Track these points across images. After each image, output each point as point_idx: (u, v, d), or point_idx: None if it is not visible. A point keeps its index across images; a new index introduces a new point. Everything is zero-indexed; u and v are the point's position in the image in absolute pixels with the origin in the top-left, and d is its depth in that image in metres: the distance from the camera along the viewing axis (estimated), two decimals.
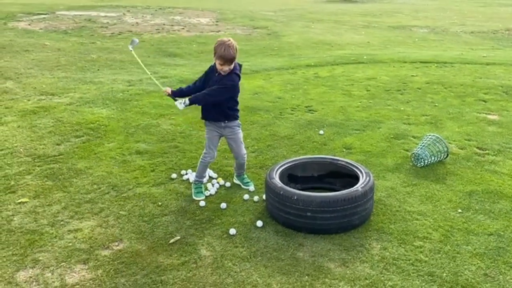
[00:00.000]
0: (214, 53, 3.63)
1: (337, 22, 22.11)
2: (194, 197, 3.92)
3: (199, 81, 3.90)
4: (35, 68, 9.27)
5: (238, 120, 3.96)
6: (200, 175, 4.01)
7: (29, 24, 16.49)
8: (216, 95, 3.69)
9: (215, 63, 3.71)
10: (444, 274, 2.96)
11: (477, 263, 3.06)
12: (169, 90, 3.86)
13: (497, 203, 3.85)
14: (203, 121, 3.97)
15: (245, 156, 4.07)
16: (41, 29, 15.63)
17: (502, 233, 3.41)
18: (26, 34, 14.20)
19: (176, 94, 3.85)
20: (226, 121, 3.85)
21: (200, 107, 3.87)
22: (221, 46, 3.54)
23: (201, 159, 3.98)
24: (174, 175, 4.34)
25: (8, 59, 10.09)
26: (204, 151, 3.98)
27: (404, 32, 18.87)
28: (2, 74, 8.57)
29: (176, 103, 3.77)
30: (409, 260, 3.09)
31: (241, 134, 4.00)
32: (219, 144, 4.03)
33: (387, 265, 3.04)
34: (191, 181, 4.19)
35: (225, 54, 3.53)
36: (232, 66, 3.65)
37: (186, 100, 3.71)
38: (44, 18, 18.25)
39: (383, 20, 24.32)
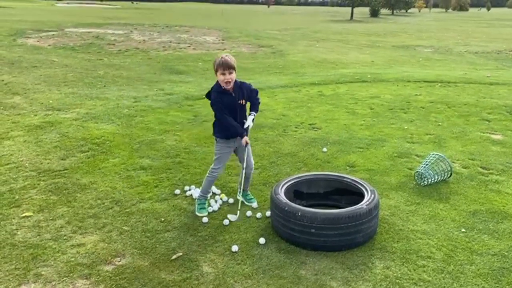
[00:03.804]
0: (215, 71, 3.71)
1: (341, 41, 22.32)
2: (197, 213, 3.92)
3: (226, 112, 3.79)
4: (43, 84, 9.40)
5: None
6: (205, 191, 4.02)
7: (38, 41, 16.76)
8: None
9: (215, 89, 3.77)
10: None
11: (481, 284, 3.03)
12: (247, 139, 3.85)
13: (501, 223, 3.83)
14: (214, 137, 3.97)
15: (253, 166, 4.13)
16: (49, 45, 15.88)
17: (506, 253, 3.38)
18: (34, 50, 14.43)
19: (243, 129, 3.84)
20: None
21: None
22: (218, 59, 3.69)
23: (209, 173, 3.99)
24: (177, 191, 4.36)
25: (16, 74, 10.24)
26: (213, 166, 3.98)
27: (408, 51, 19.00)
28: (10, 89, 8.69)
29: (251, 124, 3.85)
30: (412, 279, 3.07)
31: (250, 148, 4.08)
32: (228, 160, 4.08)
33: (390, 285, 3.02)
34: (194, 197, 4.20)
35: (222, 60, 3.64)
36: (234, 74, 3.70)
37: (253, 115, 3.87)
38: (52, 34, 18.55)
39: (388, 39, 24.52)
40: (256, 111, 3.93)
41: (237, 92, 3.79)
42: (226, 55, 3.70)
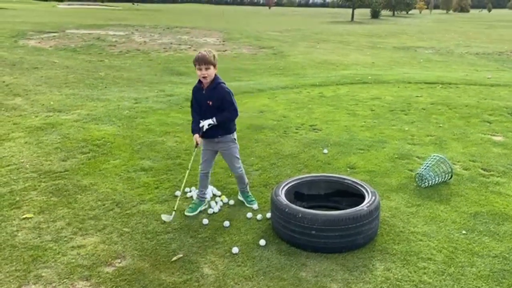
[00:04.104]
0: (194, 65, 3.76)
1: (342, 43, 22.33)
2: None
3: (196, 109, 3.91)
4: (44, 85, 9.40)
5: (232, 135, 3.94)
6: (199, 189, 4.05)
7: (39, 42, 16.79)
8: (235, 112, 3.81)
9: (196, 84, 3.85)
10: None
11: (482, 286, 3.03)
12: (197, 138, 3.86)
13: (502, 225, 3.82)
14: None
15: (240, 170, 4.04)
16: (50, 47, 15.90)
17: (507, 255, 3.37)
18: (36, 52, 14.45)
19: (198, 129, 3.85)
20: (220, 136, 3.87)
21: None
22: (197, 54, 3.73)
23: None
24: (178, 193, 4.35)
25: (17, 76, 10.25)
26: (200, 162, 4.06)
27: (409, 53, 19.01)
28: (12, 91, 8.70)
29: (205, 126, 3.79)
30: (412, 281, 3.07)
31: (235, 149, 3.99)
32: (214, 158, 4.06)
33: (391, 286, 3.01)
34: (194, 198, 4.20)
35: (199, 56, 3.67)
36: (212, 70, 3.70)
37: (212, 121, 3.76)
38: (54, 36, 18.58)
39: (388, 41, 24.54)
40: (218, 120, 3.76)
41: (209, 91, 3.76)
42: (205, 50, 3.71)
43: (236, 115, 3.85)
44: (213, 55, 3.70)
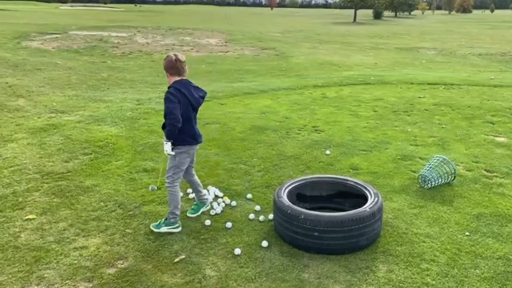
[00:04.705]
0: None
1: (344, 44, 22.31)
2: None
3: None
4: (47, 86, 9.43)
5: (176, 146, 3.59)
6: (194, 193, 4.06)
7: (42, 43, 16.82)
8: (170, 117, 3.46)
9: None
10: None
11: None
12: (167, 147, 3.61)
13: (506, 227, 3.80)
14: None
15: (166, 181, 3.72)
16: (53, 48, 15.94)
17: (510, 257, 3.36)
18: (38, 53, 14.48)
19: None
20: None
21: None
22: None
23: None
24: (180, 194, 4.35)
25: (20, 77, 10.27)
26: None
27: (411, 53, 18.98)
28: (14, 92, 8.72)
29: (168, 151, 3.57)
30: (415, 283, 3.05)
31: (170, 163, 3.70)
32: (190, 162, 3.84)
33: None
34: (196, 200, 4.20)
35: None
36: (168, 76, 3.64)
37: (164, 139, 3.56)
38: (56, 37, 18.62)
39: (391, 41, 24.50)
40: (165, 134, 3.53)
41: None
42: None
43: (172, 119, 3.44)
44: (164, 64, 3.61)
